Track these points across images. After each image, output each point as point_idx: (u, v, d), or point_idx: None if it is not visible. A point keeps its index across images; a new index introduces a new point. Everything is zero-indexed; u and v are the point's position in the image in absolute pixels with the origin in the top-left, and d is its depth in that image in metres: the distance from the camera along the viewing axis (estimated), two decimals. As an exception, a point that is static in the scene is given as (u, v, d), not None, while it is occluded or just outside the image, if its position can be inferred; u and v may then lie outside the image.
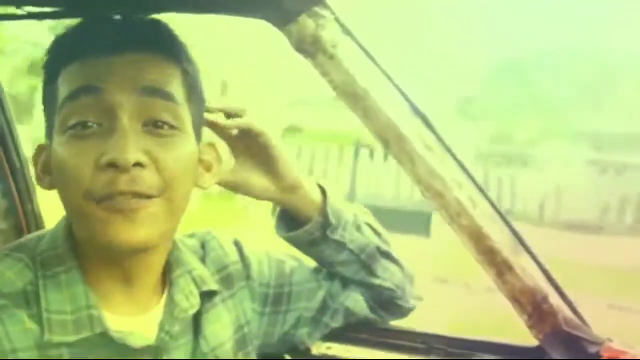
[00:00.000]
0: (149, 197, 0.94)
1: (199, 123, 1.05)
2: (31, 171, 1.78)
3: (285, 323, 1.26)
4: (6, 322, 0.93)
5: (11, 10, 1.26)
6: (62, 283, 0.98)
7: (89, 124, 0.94)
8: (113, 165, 0.91)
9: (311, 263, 1.32)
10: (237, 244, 1.25)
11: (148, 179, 0.94)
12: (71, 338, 0.96)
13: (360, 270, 1.27)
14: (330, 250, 1.25)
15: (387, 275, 1.29)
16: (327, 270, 1.30)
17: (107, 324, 0.98)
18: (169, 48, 1.02)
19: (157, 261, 1.05)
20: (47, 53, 1.02)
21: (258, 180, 1.19)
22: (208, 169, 1.08)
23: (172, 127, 0.97)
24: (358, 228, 1.27)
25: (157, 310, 1.06)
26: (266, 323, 1.24)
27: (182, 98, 1.00)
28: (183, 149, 0.98)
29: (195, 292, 1.11)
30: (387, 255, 1.29)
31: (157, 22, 1.03)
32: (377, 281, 1.28)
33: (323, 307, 1.28)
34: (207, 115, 1.11)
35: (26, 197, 1.77)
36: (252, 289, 1.23)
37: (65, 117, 0.96)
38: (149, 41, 0.99)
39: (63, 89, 0.98)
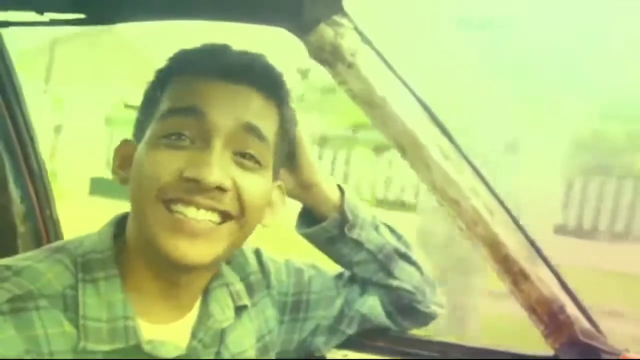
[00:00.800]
0: (223, 215, 0.98)
1: (278, 167, 1.09)
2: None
3: (303, 331, 1.27)
4: (46, 323, 0.94)
5: (33, 16, 1.28)
6: (101, 290, 0.99)
7: (183, 137, 0.98)
8: (196, 182, 0.95)
9: (330, 272, 1.32)
10: (257, 253, 1.26)
11: (227, 201, 0.98)
12: (105, 347, 0.97)
13: (378, 271, 1.28)
14: (348, 249, 1.26)
15: (405, 277, 1.29)
16: (346, 271, 1.31)
17: (141, 335, 0.99)
18: (277, 90, 1.06)
19: (204, 277, 1.08)
20: (168, 59, 1.06)
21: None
22: (272, 206, 1.10)
23: (256, 162, 1.01)
24: (376, 228, 1.28)
25: (190, 316, 1.08)
26: (284, 331, 1.25)
27: (273, 140, 1.04)
28: (262, 184, 1.02)
29: (231, 305, 1.13)
30: (405, 257, 1.30)
31: (270, 64, 1.07)
32: (395, 282, 1.29)
33: (340, 316, 1.29)
34: None
35: (45, 202, 1.78)
36: (273, 298, 1.24)
37: (163, 127, 0.99)
38: (262, 80, 1.03)
39: (167, 99, 1.01)
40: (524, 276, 1.30)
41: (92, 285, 0.99)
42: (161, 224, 0.96)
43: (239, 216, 0.99)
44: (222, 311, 1.11)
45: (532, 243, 1.30)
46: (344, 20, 1.19)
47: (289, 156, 1.18)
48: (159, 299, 1.03)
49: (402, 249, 1.30)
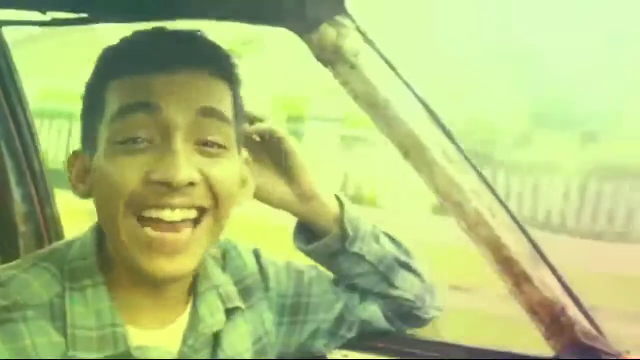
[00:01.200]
0: (202, 210, 0.95)
1: (240, 141, 1.05)
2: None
3: (303, 333, 1.26)
4: (34, 333, 0.93)
5: (36, 16, 1.27)
6: (89, 298, 0.97)
7: (139, 139, 0.93)
8: (165, 184, 0.91)
9: (331, 275, 1.31)
10: (255, 254, 1.24)
11: (200, 194, 0.94)
12: (94, 355, 0.96)
13: (379, 282, 1.27)
14: (349, 262, 1.24)
15: (406, 286, 1.28)
16: (346, 282, 1.29)
17: (130, 341, 0.98)
18: (223, 67, 1.01)
19: (189, 276, 1.05)
20: (98, 61, 1.01)
21: (276, 186, 1.19)
22: (243, 184, 1.07)
23: (220, 146, 0.97)
24: (376, 239, 1.26)
25: (181, 321, 1.06)
26: (284, 333, 1.24)
27: (231, 118, 1.00)
28: (230, 167, 0.98)
29: (221, 308, 1.10)
30: (406, 266, 1.28)
31: (208, 39, 1.02)
32: (396, 292, 1.27)
33: (340, 320, 1.28)
34: None
35: (46, 201, 1.78)
36: (270, 300, 1.22)
37: (115, 131, 0.94)
38: (206, 61, 0.98)
39: (113, 102, 0.95)
40: (526, 278, 1.30)
41: (79, 293, 0.97)
42: (136, 242, 0.93)
43: (213, 207, 0.95)
44: (212, 315, 1.08)
45: (535, 245, 1.30)
46: (346, 21, 1.19)
47: (285, 168, 1.17)
48: (147, 305, 1.01)
49: (403, 257, 1.28)
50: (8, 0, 1.22)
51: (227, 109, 0.98)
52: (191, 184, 0.92)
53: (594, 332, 1.33)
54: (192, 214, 0.94)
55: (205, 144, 0.95)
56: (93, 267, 0.99)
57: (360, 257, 1.23)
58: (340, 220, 1.21)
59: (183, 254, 0.94)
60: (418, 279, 1.30)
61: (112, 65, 0.98)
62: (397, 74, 1.21)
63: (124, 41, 0.99)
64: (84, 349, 0.95)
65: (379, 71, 1.21)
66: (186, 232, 0.93)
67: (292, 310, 1.24)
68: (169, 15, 1.29)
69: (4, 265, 1.01)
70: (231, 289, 1.14)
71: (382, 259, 1.25)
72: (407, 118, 1.22)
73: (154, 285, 0.98)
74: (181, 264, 0.94)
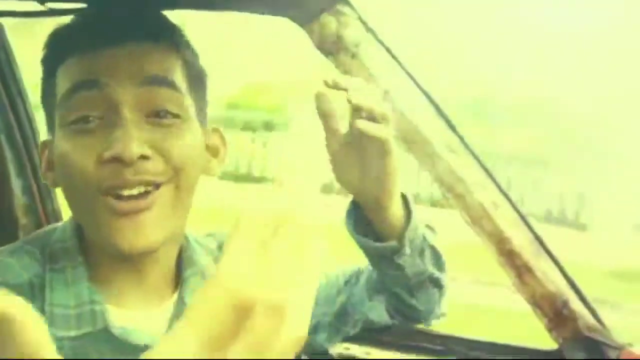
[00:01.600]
0: (156, 185, 0.93)
1: (203, 109, 1.03)
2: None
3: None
4: None
5: (33, 6, 1.26)
6: (68, 278, 0.97)
7: (90, 118, 0.93)
8: (117, 160, 0.90)
9: (333, 268, 1.28)
10: None
11: (154, 168, 0.92)
12: (72, 333, 0.95)
13: (402, 288, 1.21)
14: (387, 265, 1.19)
15: (423, 300, 1.19)
16: (350, 270, 1.27)
17: (111, 319, 0.97)
18: (169, 37, 1.00)
19: (165, 254, 1.03)
20: (44, 47, 1.01)
21: (355, 180, 1.09)
22: (215, 154, 1.06)
23: (175, 115, 0.95)
24: (421, 253, 1.17)
25: (167, 306, 1.04)
26: None
27: (184, 87, 0.98)
28: (188, 136, 0.96)
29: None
30: (435, 282, 1.20)
31: (155, 12, 1.02)
32: (412, 301, 1.22)
33: (343, 314, 1.25)
34: (354, 100, 1.00)
35: (46, 194, 1.77)
36: None
37: (65, 113, 0.94)
38: (148, 31, 0.97)
39: (62, 84, 0.96)
40: (529, 270, 1.29)
41: (59, 274, 0.97)
42: (101, 218, 0.92)
43: (171, 178, 0.94)
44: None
45: (537, 237, 1.29)
46: (347, 10, 1.18)
47: (373, 169, 1.05)
48: (128, 286, 1.00)
49: (436, 274, 1.20)
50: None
51: (176, 77, 0.97)
52: (144, 157, 0.91)
53: (597, 325, 1.33)
54: (150, 189, 0.93)
55: (157, 114, 0.94)
56: (73, 249, 0.99)
57: (399, 267, 1.18)
58: (401, 235, 1.13)
59: (146, 223, 0.92)
60: (439, 293, 1.23)
61: (58, 49, 0.98)
62: (399, 64, 1.20)
63: (68, 23, 1.00)
64: (62, 326, 0.95)
65: (380, 61, 1.19)
66: (143, 202, 0.92)
67: None
68: (169, 4, 1.28)
69: None
70: (208, 263, 1.11)
71: (418, 275, 1.18)
72: (409, 109, 1.21)
73: (131, 264, 0.98)
74: (145, 234, 0.93)
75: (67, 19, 1.03)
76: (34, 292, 0.95)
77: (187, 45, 1.02)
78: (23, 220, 1.74)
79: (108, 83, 0.92)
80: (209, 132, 1.05)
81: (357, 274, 1.28)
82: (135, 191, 0.92)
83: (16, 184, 1.73)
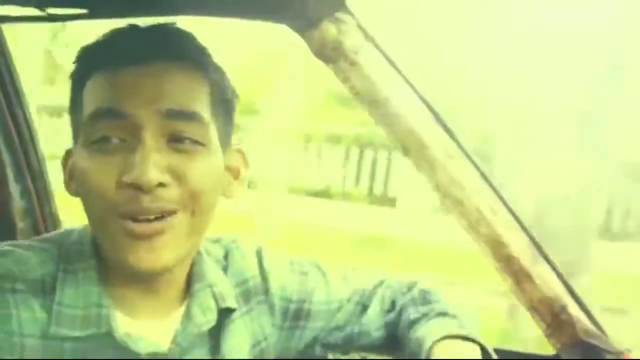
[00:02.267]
0: (172, 212, 0.94)
1: (228, 132, 1.04)
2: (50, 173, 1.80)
3: (302, 340, 1.24)
4: (20, 306, 0.94)
5: (32, 11, 1.26)
6: (79, 279, 0.98)
7: (113, 139, 0.94)
8: (136, 186, 0.91)
9: (335, 281, 1.27)
10: (258, 254, 1.21)
11: (170, 195, 0.94)
12: (77, 333, 0.96)
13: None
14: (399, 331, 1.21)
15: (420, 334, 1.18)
16: (356, 295, 1.26)
17: (116, 324, 0.98)
18: (196, 57, 1.00)
19: (179, 274, 1.05)
20: (74, 62, 1.01)
21: None
22: (236, 175, 1.06)
23: (195, 142, 0.96)
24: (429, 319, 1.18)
25: (175, 318, 1.05)
26: (284, 338, 1.22)
27: (208, 113, 0.98)
28: (207, 162, 0.97)
29: (214, 307, 1.09)
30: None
31: (183, 31, 1.01)
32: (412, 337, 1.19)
33: (338, 329, 1.26)
34: None
35: (44, 198, 1.77)
36: (271, 304, 1.20)
37: (88, 133, 0.96)
38: (175, 50, 0.98)
39: (88, 102, 0.97)
40: (526, 276, 1.30)
41: (71, 275, 0.99)
42: (117, 236, 0.94)
43: (187, 204, 0.95)
44: (204, 314, 1.07)
45: (535, 243, 1.30)
46: (346, 17, 1.18)
47: None
48: (137, 296, 1.01)
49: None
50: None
51: (200, 105, 0.97)
52: (162, 184, 0.92)
53: (595, 330, 1.33)
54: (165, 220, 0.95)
55: (178, 140, 0.95)
56: (87, 252, 1.01)
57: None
58: None
59: (161, 245, 0.94)
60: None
61: (86, 64, 0.99)
62: (398, 71, 1.20)
63: (98, 40, 1.00)
64: (67, 326, 0.96)
65: (379, 68, 1.20)
66: (159, 224, 0.94)
67: (295, 315, 1.22)
68: (169, 10, 1.28)
69: (8, 242, 1.02)
70: (226, 289, 1.13)
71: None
72: (407, 115, 1.21)
73: (144, 280, 1.00)
74: (160, 256, 0.94)
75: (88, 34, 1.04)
76: (45, 290, 0.97)
77: (215, 67, 1.02)
78: (21, 224, 1.74)
79: (131, 113, 0.93)
80: (231, 152, 1.05)
81: (364, 300, 1.27)
82: (152, 216, 0.93)
83: (14, 188, 1.73)
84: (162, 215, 0.94)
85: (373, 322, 1.24)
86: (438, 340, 1.09)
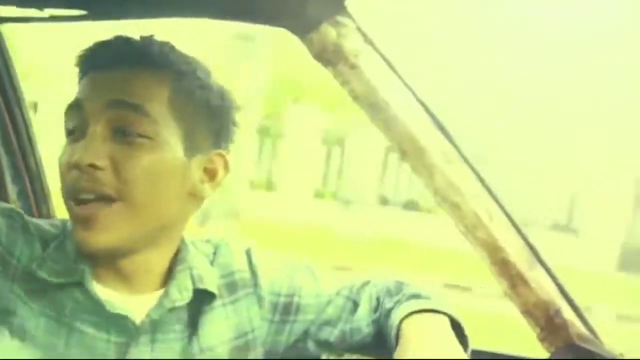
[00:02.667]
0: (109, 199, 1.01)
1: (195, 137, 1.08)
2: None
3: (292, 334, 1.25)
4: (26, 240, 1.06)
5: (33, 12, 1.27)
6: (67, 252, 1.07)
7: (74, 131, 1.04)
8: (76, 166, 1.00)
9: (324, 276, 1.29)
10: (248, 253, 1.25)
11: (103, 179, 1.01)
12: (53, 278, 1.04)
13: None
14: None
15: None
16: (344, 291, 1.28)
17: (90, 281, 1.05)
18: (159, 65, 1.06)
19: (153, 261, 1.10)
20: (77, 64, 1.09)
21: None
22: (212, 177, 1.11)
23: (143, 136, 1.02)
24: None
25: (153, 296, 1.10)
26: (274, 331, 1.24)
27: (164, 114, 1.04)
28: (150, 157, 1.03)
29: (190, 287, 1.13)
30: None
31: (153, 40, 1.08)
32: None
33: (330, 325, 1.27)
34: None
35: (41, 199, 1.77)
36: (260, 297, 1.22)
37: (65, 125, 1.06)
38: (140, 58, 1.05)
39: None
40: (522, 280, 1.31)
41: (63, 247, 1.08)
42: (71, 219, 1.04)
43: (121, 192, 1.02)
44: (179, 292, 1.11)
45: (531, 247, 1.31)
46: (346, 21, 1.19)
47: None
48: (112, 276, 1.08)
49: None
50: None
51: (150, 102, 1.04)
52: (94, 166, 1.00)
53: (588, 334, 1.34)
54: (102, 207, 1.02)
55: (123, 132, 1.02)
56: None
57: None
58: None
59: (98, 228, 1.01)
60: None
61: (79, 68, 1.09)
62: (398, 75, 1.21)
63: (88, 47, 1.08)
64: (47, 272, 1.05)
65: (379, 72, 1.21)
66: (95, 206, 1.01)
67: (284, 309, 1.24)
68: (168, 12, 1.29)
69: None
70: (206, 274, 1.16)
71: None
72: (406, 119, 1.22)
73: (108, 262, 1.07)
74: (97, 238, 1.02)
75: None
76: (45, 242, 1.07)
77: (181, 74, 1.07)
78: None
79: (86, 100, 1.04)
80: (211, 155, 1.11)
81: (353, 296, 1.28)
82: (90, 195, 1.01)
83: (12, 189, 1.73)
84: (98, 200, 1.01)
85: (363, 319, 1.25)
86: (406, 317, 1.12)
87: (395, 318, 1.15)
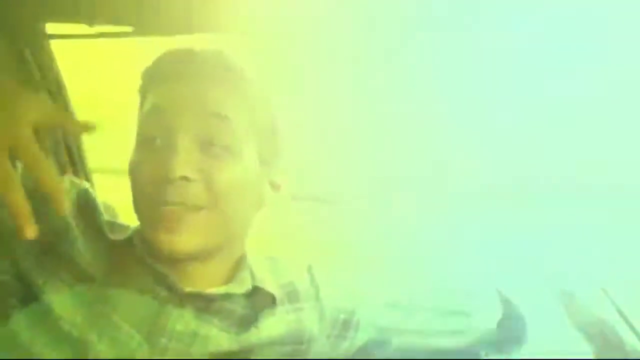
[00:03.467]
0: (197, 208, 1.02)
1: (270, 153, 1.12)
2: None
3: (349, 352, 1.27)
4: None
5: (83, 29, 1.31)
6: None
7: (157, 139, 1.04)
8: (164, 178, 1.00)
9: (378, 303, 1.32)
10: (310, 270, 1.27)
11: (194, 191, 1.02)
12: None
13: None
14: None
15: None
16: None
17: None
18: (236, 78, 1.08)
19: (222, 266, 1.12)
20: (141, 77, 1.12)
21: None
22: (276, 190, 1.15)
23: (228, 147, 1.04)
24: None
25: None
26: (330, 345, 1.25)
27: (243, 124, 1.06)
28: (236, 168, 1.05)
29: (249, 283, 1.14)
30: None
31: (225, 53, 1.10)
32: None
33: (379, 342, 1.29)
34: None
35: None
36: (322, 311, 1.23)
37: (139, 131, 1.07)
38: (218, 70, 1.07)
39: (142, 109, 1.09)
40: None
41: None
42: (147, 219, 1.04)
43: (214, 203, 1.03)
44: (239, 286, 1.13)
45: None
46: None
47: None
48: (176, 275, 1.08)
49: None
50: (57, 13, 1.26)
51: (236, 114, 1.06)
52: (184, 178, 1.01)
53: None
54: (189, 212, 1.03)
55: (210, 144, 1.03)
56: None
57: None
58: None
59: (184, 231, 1.02)
60: None
61: (146, 80, 1.10)
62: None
63: (157, 58, 1.10)
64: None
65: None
66: (184, 211, 1.02)
67: (344, 325, 1.26)
68: (206, 29, 1.33)
69: None
70: (266, 277, 1.18)
71: None
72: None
73: (175, 264, 1.07)
74: (183, 241, 1.02)
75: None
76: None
77: (255, 89, 1.10)
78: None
79: (170, 109, 1.04)
80: (277, 172, 1.15)
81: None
82: (170, 214, 1.01)
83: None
84: (185, 208, 1.02)
85: None
86: None
87: None
